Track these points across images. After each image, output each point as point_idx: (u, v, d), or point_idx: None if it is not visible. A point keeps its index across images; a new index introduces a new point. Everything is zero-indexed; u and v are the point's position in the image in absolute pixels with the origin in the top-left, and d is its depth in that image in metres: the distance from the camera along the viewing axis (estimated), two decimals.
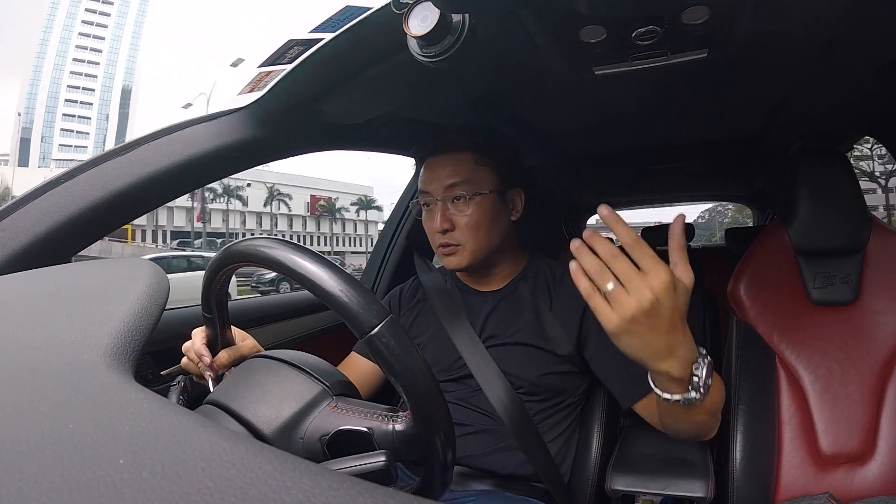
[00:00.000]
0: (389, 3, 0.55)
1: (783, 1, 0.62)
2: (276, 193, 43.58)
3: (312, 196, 48.11)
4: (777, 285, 0.89)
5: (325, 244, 48.53)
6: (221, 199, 41.39)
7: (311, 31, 0.68)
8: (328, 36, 0.66)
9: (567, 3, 0.54)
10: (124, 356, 0.29)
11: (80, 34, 76.70)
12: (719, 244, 2.61)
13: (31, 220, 0.60)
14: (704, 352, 0.56)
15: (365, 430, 0.43)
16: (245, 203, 42.57)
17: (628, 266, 0.50)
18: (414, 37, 0.53)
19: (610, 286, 0.49)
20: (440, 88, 0.86)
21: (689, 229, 2.36)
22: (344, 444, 0.43)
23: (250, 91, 0.79)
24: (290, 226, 47.39)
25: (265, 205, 44.18)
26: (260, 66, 0.77)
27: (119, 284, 0.39)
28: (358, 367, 0.89)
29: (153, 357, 0.76)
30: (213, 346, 0.60)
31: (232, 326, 0.61)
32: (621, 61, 0.70)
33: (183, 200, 39.94)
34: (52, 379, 0.26)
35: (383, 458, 0.41)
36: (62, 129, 72.27)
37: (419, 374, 0.41)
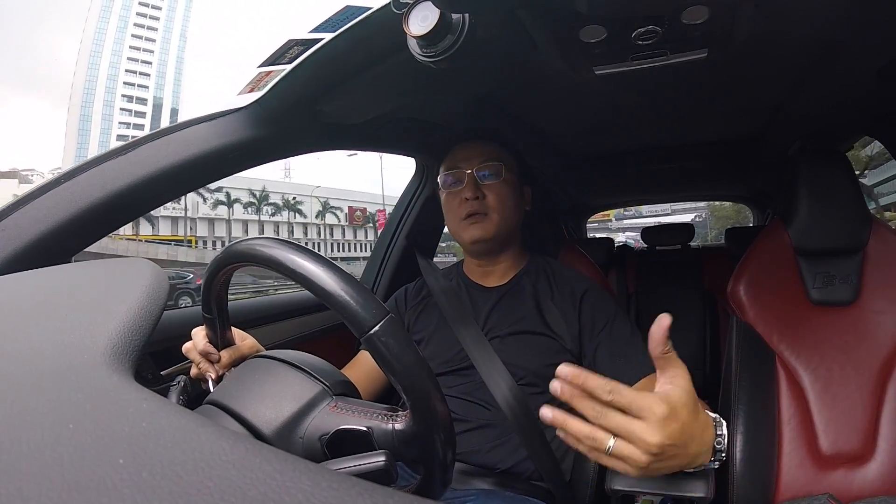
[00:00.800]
0: (389, 3, 0.55)
1: (783, 1, 0.62)
2: (328, 207, 47.90)
3: (350, 207, 52.43)
4: (777, 285, 0.89)
5: (365, 250, 52.37)
6: (283, 213, 45.73)
7: (311, 31, 0.68)
8: (328, 36, 0.66)
9: (567, 3, 0.54)
10: (124, 356, 0.29)
11: (129, 59, 78.51)
12: (719, 244, 2.61)
13: (32, 220, 0.60)
14: (717, 418, 0.56)
15: (364, 429, 0.43)
16: (303, 215, 46.83)
17: (619, 418, 0.46)
18: (414, 37, 0.53)
19: (611, 443, 0.47)
20: (440, 88, 0.86)
21: (688, 229, 2.36)
22: (344, 443, 0.43)
23: (250, 91, 0.79)
24: (332, 234, 52.07)
25: (317, 216, 48.28)
26: (260, 66, 0.77)
27: (119, 284, 0.39)
28: (365, 366, 0.90)
29: (153, 357, 0.76)
30: (214, 346, 0.60)
31: (231, 327, 0.61)
32: (621, 61, 0.70)
33: (241, 213, 43.68)
34: (51, 379, 0.26)
35: (383, 458, 0.40)
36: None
37: (418, 373, 0.40)
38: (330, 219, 49.35)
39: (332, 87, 0.77)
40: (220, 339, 0.58)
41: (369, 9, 0.62)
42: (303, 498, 0.17)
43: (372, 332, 0.39)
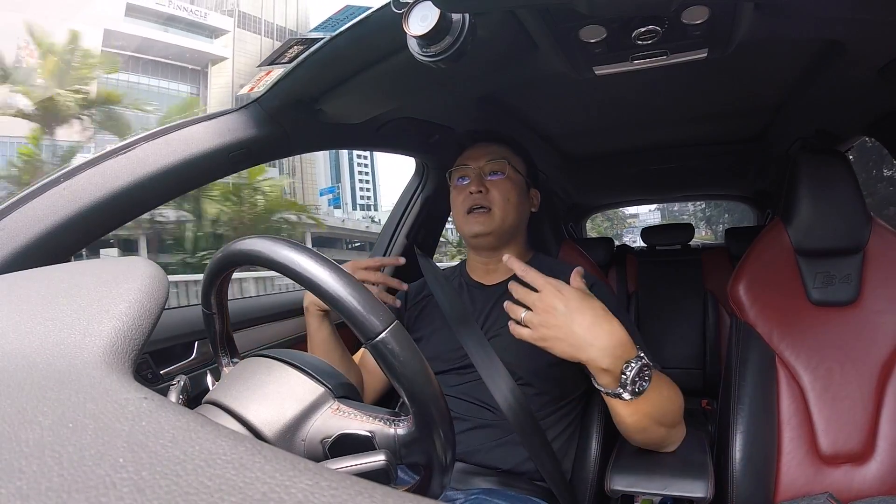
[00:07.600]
0: (389, 3, 0.55)
1: (783, 1, 0.62)
2: None
3: None
4: (777, 285, 0.89)
5: None
6: None
7: (311, 31, 0.68)
8: (328, 35, 0.66)
9: (567, 3, 0.54)
10: (124, 355, 0.29)
11: None
12: (720, 243, 2.60)
13: (31, 219, 0.60)
14: (644, 357, 0.65)
15: (367, 433, 0.43)
16: None
17: (529, 293, 0.66)
18: (414, 36, 0.53)
19: (522, 314, 0.66)
20: (440, 88, 0.86)
21: (689, 229, 2.36)
22: (345, 447, 0.43)
23: (250, 90, 0.79)
24: None
25: None
26: (260, 66, 0.77)
27: (118, 283, 0.39)
28: (367, 367, 0.91)
29: (153, 357, 0.76)
30: (213, 344, 0.59)
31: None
32: (621, 61, 0.70)
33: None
34: (51, 378, 0.26)
35: (383, 458, 0.40)
36: None
37: (423, 380, 0.41)
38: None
39: (332, 87, 0.77)
40: (222, 335, 0.58)
41: (369, 9, 0.62)
42: (302, 497, 0.17)
43: (378, 338, 0.39)
